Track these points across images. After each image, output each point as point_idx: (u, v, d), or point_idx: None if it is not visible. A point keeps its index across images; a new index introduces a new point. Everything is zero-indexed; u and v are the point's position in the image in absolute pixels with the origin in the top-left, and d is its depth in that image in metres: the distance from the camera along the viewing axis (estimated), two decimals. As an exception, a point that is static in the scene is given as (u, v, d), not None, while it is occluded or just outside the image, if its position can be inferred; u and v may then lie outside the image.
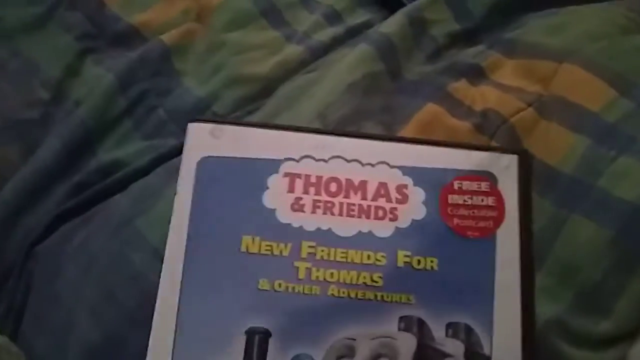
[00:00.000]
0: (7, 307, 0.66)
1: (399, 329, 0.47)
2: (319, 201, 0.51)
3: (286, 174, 0.52)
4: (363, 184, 0.52)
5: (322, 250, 0.49)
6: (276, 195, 0.51)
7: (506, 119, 0.66)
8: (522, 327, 0.48)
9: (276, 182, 0.51)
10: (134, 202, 0.67)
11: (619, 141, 0.62)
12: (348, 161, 0.53)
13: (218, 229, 0.50)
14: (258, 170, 0.52)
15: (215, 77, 0.79)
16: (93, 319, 0.61)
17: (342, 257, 0.49)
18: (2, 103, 0.79)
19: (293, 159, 0.52)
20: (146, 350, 0.53)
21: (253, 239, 0.49)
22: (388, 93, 0.72)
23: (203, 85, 0.79)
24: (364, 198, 0.51)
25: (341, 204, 0.51)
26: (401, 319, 0.48)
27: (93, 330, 0.61)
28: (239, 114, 0.74)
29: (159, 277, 0.59)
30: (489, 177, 0.52)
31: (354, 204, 0.51)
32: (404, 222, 0.51)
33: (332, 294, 0.48)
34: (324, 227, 0.50)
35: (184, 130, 0.74)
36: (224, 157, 0.52)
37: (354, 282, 0.48)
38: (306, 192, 0.51)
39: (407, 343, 0.47)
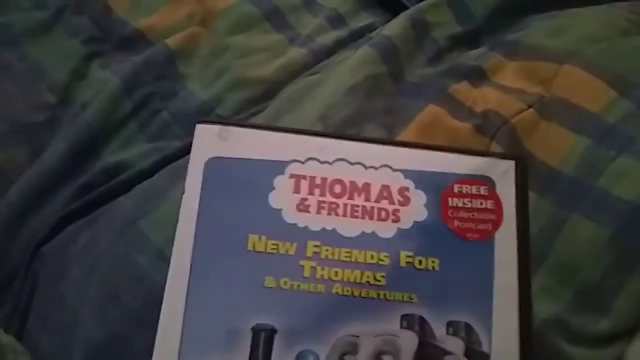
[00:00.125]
0: (13, 307, 0.67)
1: (401, 327, 0.48)
2: (324, 202, 0.52)
3: (292, 176, 0.52)
4: (366, 186, 0.53)
5: (327, 250, 0.50)
6: (282, 196, 0.52)
7: (507, 120, 0.66)
8: (520, 326, 0.48)
9: (282, 183, 0.52)
10: (138, 203, 0.67)
11: (618, 141, 0.62)
12: (352, 164, 0.53)
13: (225, 228, 0.50)
14: (264, 171, 0.52)
15: (219, 80, 0.80)
16: (98, 319, 0.62)
17: (346, 257, 0.50)
18: (10, 106, 0.80)
19: (299, 161, 0.53)
20: (151, 350, 0.52)
21: (259, 237, 0.50)
22: (390, 95, 0.72)
23: (207, 88, 0.79)
24: (367, 200, 0.52)
25: (345, 205, 0.52)
26: (403, 317, 0.48)
27: (98, 330, 0.61)
28: (242, 116, 0.75)
29: (164, 277, 0.59)
30: (487, 181, 0.53)
31: (357, 206, 0.52)
32: (406, 224, 0.51)
33: (337, 292, 0.49)
34: (329, 228, 0.51)
35: (188, 133, 0.75)
36: (231, 158, 0.53)
37: (357, 281, 0.49)
38: (311, 193, 0.52)
39: (409, 340, 0.47)
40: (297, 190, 0.52)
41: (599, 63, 0.68)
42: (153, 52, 0.82)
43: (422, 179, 0.53)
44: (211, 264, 0.49)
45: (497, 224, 0.51)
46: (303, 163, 0.53)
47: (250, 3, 0.86)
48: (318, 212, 0.51)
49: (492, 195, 0.52)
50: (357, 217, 0.51)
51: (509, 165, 0.53)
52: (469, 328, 0.48)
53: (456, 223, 0.51)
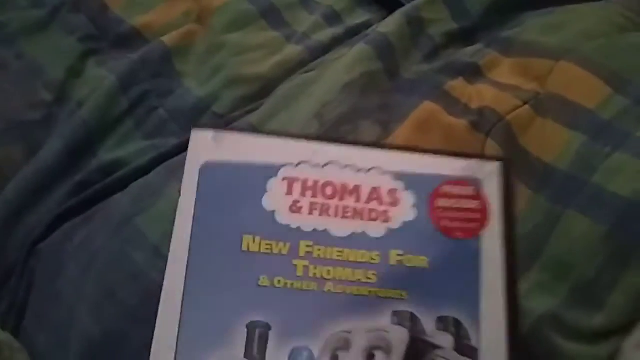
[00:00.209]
0: (9, 304, 0.67)
1: (392, 323, 0.49)
2: (316, 203, 0.53)
3: (284, 178, 0.54)
4: (357, 188, 0.54)
5: (319, 249, 0.51)
6: (275, 198, 0.53)
7: (502, 117, 0.66)
8: (508, 321, 0.50)
9: (275, 186, 0.54)
10: (134, 200, 0.67)
11: (614, 138, 0.62)
12: (343, 167, 0.55)
13: (220, 230, 0.52)
14: (258, 175, 0.53)
15: (215, 77, 0.80)
16: (94, 316, 0.62)
17: (338, 256, 0.51)
18: (6, 104, 0.80)
19: (291, 164, 0.54)
20: (147, 347, 0.53)
21: (254, 238, 0.51)
22: (385, 92, 0.72)
23: (203, 85, 0.80)
24: (357, 201, 0.54)
25: (336, 206, 0.53)
26: (394, 313, 0.49)
27: (94, 327, 0.61)
28: (238, 113, 0.75)
29: (160, 274, 0.59)
30: (474, 182, 0.55)
31: (348, 207, 0.53)
32: (395, 224, 0.53)
33: (329, 290, 0.50)
34: (321, 228, 0.52)
35: (184, 130, 0.76)
36: (226, 162, 0.54)
37: (349, 279, 0.51)
38: (303, 195, 0.53)
39: (400, 336, 0.48)
40: (289, 192, 0.53)
41: (595, 60, 0.68)
42: (149, 49, 0.83)
43: (411, 180, 0.54)
44: (207, 265, 0.51)
45: (483, 223, 0.53)
46: (295, 166, 0.54)
47: (247, 0, 0.86)
48: (310, 213, 0.53)
49: (479, 195, 0.54)
50: (348, 217, 0.53)
51: (495, 166, 0.56)
52: (458, 323, 0.49)
53: (444, 222, 0.53)
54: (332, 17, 0.86)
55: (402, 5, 0.81)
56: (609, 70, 0.67)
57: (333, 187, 0.54)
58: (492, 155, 0.59)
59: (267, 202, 0.53)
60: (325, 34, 0.83)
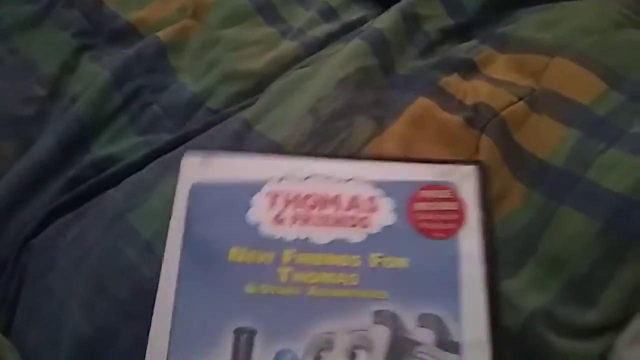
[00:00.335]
0: (1, 299, 0.66)
1: (374, 323, 0.51)
2: (298, 214, 0.56)
3: (268, 193, 0.56)
4: (337, 197, 0.56)
5: (302, 257, 0.54)
6: (259, 212, 0.55)
7: (497, 113, 0.66)
8: (489, 314, 0.51)
9: (259, 200, 0.56)
10: (127, 196, 0.67)
11: (609, 134, 0.62)
12: (323, 179, 0.57)
13: (208, 243, 0.54)
14: (243, 191, 0.57)
15: (210, 73, 0.80)
16: (85, 311, 0.61)
17: (320, 262, 0.53)
18: (-1, 99, 0.80)
19: (274, 180, 0.57)
20: (138, 342, 0.54)
21: (239, 250, 0.54)
22: (380, 87, 0.72)
23: (198, 81, 0.79)
24: (338, 209, 0.56)
25: (318, 215, 0.56)
26: (375, 313, 0.51)
27: (85, 322, 0.61)
28: (232, 109, 0.75)
29: (151, 270, 0.59)
30: (450, 185, 0.57)
31: (329, 215, 0.56)
32: (375, 229, 0.55)
33: (312, 295, 0.52)
34: (303, 237, 0.55)
35: (178, 126, 0.75)
36: (213, 182, 0.57)
37: (331, 283, 0.52)
38: (286, 207, 0.56)
39: (381, 335, 0.50)
40: (272, 205, 0.56)
41: (590, 56, 0.68)
42: (144, 45, 0.82)
43: (389, 188, 0.57)
44: (197, 275, 0.53)
45: (460, 223, 0.55)
46: (278, 182, 0.57)
47: (242, -4, 0.86)
48: (293, 224, 0.55)
49: (455, 197, 0.56)
50: (329, 225, 0.55)
51: (470, 169, 0.58)
52: (438, 320, 0.50)
53: (422, 225, 0.55)
54: (328, 13, 0.86)
55: (398, 1, 0.81)
56: (604, 66, 0.67)
57: (314, 198, 0.56)
58: (466, 159, 0.60)
59: (252, 216, 0.56)
60: (321, 30, 0.83)
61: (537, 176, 0.62)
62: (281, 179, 0.57)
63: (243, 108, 0.74)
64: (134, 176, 0.69)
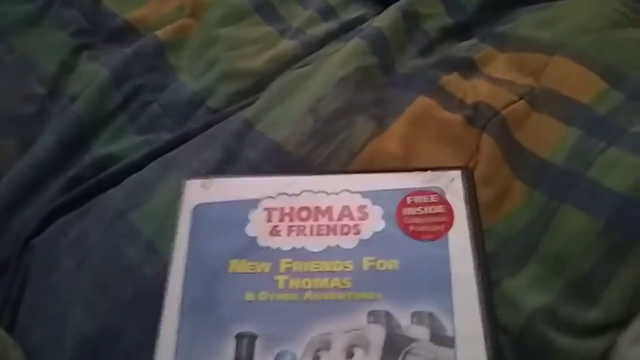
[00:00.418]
0: (4, 299, 0.66)
1: (369, 322, 0.53)
2: (293, 226, 0.59)
3: (265, 209, 0.60)
4: (329, 208, 0.60)
5: (298, 264, 0.56)
6: (257, 226, 0.59)
7: (497, 112, 0.67)
8: (482, 308, 0.52)
9: (256, 216, 0.60)
10: (128, 196, 0.67)
11: (609, 132, 0.63)
12: (315, 193, 0.61)
13: (210, 257, 0.58)
14: (241, 209, 0.60)
15: (210, 72, 0.80)
16: (88, 311, 0.61)
17: (315, 268, 0.56)
18: (-1, 98, 0.80)
19: (270, 197, 0.61)
20: (140, 341, 0.56)
21: (239, 261, 0.57)
22: (380, 86, 0.72)
23: (197, 80, 0.79)
24: (330, 219, 0.59)
25: (312, 226, 0.59)
26: (370, 313, 0.53)
27: (88, 321, 0.61)
28: (233, 108, 0.75)
29: (153, 269, 0.61)
30: (437, 190, 0.59)
31: (322, 225, 0.59)
32: (366, 235, 0.58)
33: (308, 299, 0.55)
34: (298, 246, 0.57)
35: (178, 125, 0.75)
36: (213, 202, 0.61)
37: (326, 287, 0.55)
38: (282, 220, 0.59)
39: (376, 333, 0.52)
40: (269, 219, 0.59)
41: (590, 54, 0.69)
42: (143, 44, 0.82)
43: (378, 196, 0.60)
44: (200, 286, 0.56)
45: (449, 224, 0.57)
46: (274, 198, 0.61)
47: (240, -5, 0.86)
48: (288, 235, 0.58)
49: (442, 201, 0.59)
50: (322, 234, 0.58)
51: (455, 174, 0.60)
52: (432, 316, 0.52)
53: (412, 228, 0.57)
54: (327, 12, 0.86)
55: (397, 0, 0.81)
56: (603, 64, 0.68)
57: (308, 211, 0.60)
58: (451, 165, 0.62)
59: (250, 230, 0.59)
60: (320, 29, 0.83)
61: (538, 175, 0.62)
62: (276, 196, 0.61)
63: (243, 107, 0.74)
64: (134, 175, 0.70)
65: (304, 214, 0.59)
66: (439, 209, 0.58)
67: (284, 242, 0.58)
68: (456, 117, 0.67)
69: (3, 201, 0.71)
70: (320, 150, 0.66)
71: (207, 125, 0.73)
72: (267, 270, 0.56)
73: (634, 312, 0.55)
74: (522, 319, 0.55)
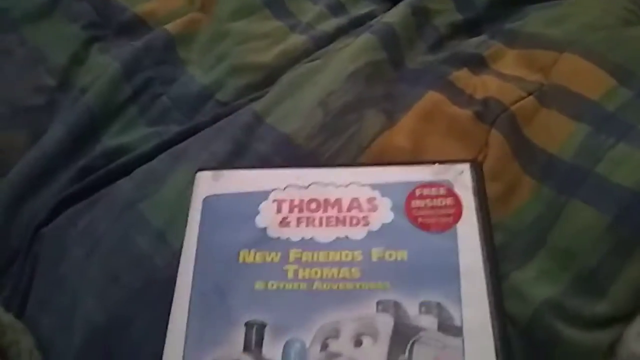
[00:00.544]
0: (13, 289, 0.67)
1: (377, 312, 0.53)
2: (302, 217, 0.59)
3: (274, 200, 0.60)
4: (338, 200, 0.60)
5: (307, 255, 0.56)
6: (266, 217, 0.59)
7: (506, 107, 0.67)
8: (491, 299, 0.52)
9: (266, 207, 0.60)
10: (138, 186, 0.67)
11: (618, 129, 0.63)
12: (325, 185, 0.61)
13: (220, 247, 0.58)
14: (251, 200, 0.61)
15: (219, 65, 0.80)
16: (98, 300, 0.62)
17: (324, 258, 0.56)
18: (9, 90, 0.80)
19: (279, 189, 0.61)
20: (150, 330, 0.57)
21: (249, 251, 0.57)
22: (390, 81, 0.73)
23: (207, 73, 0.80)
24: (339, 211, 0.59)
25: (321, 217, 0.59)
26: (378, 302, 0.53)
27: (98, 311, 0.61)
28: (242, 101, 0.75)
29: (163, 259, 0.61)
30: (446, 183, 0.59)
31: (331, 216, 0.59)
32: (375, 226, 0.58)
33: (317, 288, 0.55)
34: (307, 237, 0.58)
35: (187, 118, 0.76)
36: (223, 194, 0.61)
37: (335, 277, 0.55)
38: (291, 211, 0.60)
39: (385, 322, 0.52)
40: (279, 211, 0.60)
41: (599, 51, 0.69)
42: (153, 37, 0.83)
43: (387, 189, 0.60)
44: (210, 276, 0.57)
45: (457, 216, 0.57)
46: (283, 190, 0.61)
47: (250, -11, 0.86)
48: (297, 226, 0.59)
49: (451, 193, 0.59)
50: (331, 225, 0.58)
51: (464, 167, 0.60)
52: (440, 306, 0.52)
53: (420, 220, 0.57)
54: (337, 8, 0.86)
55: (407, -5, 0.81)
56: (612, 62, 0.68)
57: (317, 202, 0.60)
58: (460, 158, 0.62)
59: (260, 221, 0.59)
60: (330, 24, 0.83)
61: (546, 170, 0.62)
62: (286, 188, 0.61)
63: (252, 100, 0.75)
64: (144, 167, 0.70)
65: (313, 205, 0.60)
66: (448, 201, 0.58)
67: (294, 233, 0.58)
68: (465, 113, 0.67)
69: (13, 191, 0.71)
70: (330, 144, 0.67)
71: (217, 118, 0.73)
72: (276, 260, 0.56)
73: (641, 306, 0.55)
74: (530, 310, 0.55)
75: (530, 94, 0.68)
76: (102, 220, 0.66)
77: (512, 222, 0.61)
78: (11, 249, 0.69)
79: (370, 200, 0.59)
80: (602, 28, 0.72)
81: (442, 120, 0.67)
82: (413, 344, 0.51)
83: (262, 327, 0.53)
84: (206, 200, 0.61)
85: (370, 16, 0.84)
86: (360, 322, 0.52)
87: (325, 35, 0.82)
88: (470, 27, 0.80)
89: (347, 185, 0.61)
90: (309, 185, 0.61)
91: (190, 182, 0.63)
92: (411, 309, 0.52)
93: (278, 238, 0.58)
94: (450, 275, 0.54)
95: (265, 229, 0.58)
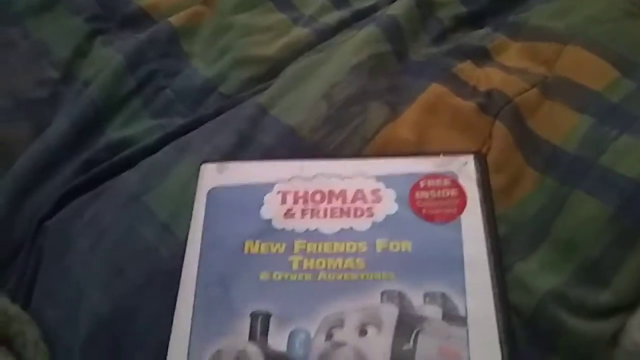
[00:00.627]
0: (18, 281, 0.67)
1: (382, 302, 0.53)
2: (307, 209, 0.59)
3: (279, 192, 0.61)
4: (343, 192, 0.60)
5: (312, 246, 0.57)
6: (271, 208, 0.60)
7: (510, 99, 0.67)
8: (495, 289, 0.53)
9: (271, 198, 0.60)
10: (142, 179, 0.68)
11: (621, 120, 0.63)
12: (329, 176, 0.61)
13: (225, 238, 0.58)
14: (256, 192, 0.61)
15: (223, 58, 0.80)
16: (103, 292, 0.62)
17: (328, 249, 0.57)
18: (13, 82, 0.80)
19: (284, 180, 0.61)
20: (155, 322, 0.57)
21: (254, 242, 0.58)
22: (394, 74, 0.73)
23: (210, 66, 0.80)
24: (344, 202, 0.59)
25: (325, 208, 0.59)
26: (383, 293, 0.53)
27: (103, 302, 0.61)
28: (245, 94, 0.75)
29: (168, 251, 0.61)
30: (450, 174, 0.60)
31: (336, 208, 0.59)
32: (379, 217, 0.58)
33: (322, 279, 0.55)
34: (312, 228, 0.58)
35: (190, 110, 0.76)
36: (228, 186, 0.62)
37: (340, 268, 0.55)
38: (296, 202, 0.60)
39: (389, 312, 0.52)
40: (283, 202, 0.60)
41: (603, 43, 0.69)
42: (156, 30, 0.83)
43: (391, 180, 0.60)
44: (215, 267, 0.57)
45: (461, 207, 0.58)
46: (287, 181, 0.61)
47: (253, -18, 0.87)
48: (302, 217, 0.59)
49: (455, 184, 0.59)
50: (336, 217, 0.59)
51: (468, 158, 0.60)
52: (444, 296, 0.52)
53: (424, 211, 0.58)
54: (339, 0, 0.86)
55: (410, -12, 0.81)
56: (616, 53, 0.68)
57: (321, 194, 0.60)
58: (464, 150, 0.62)
59: (264, 212, 0.60)
60: (332, 17, 0.83)
61: (550, 162, 0.63)
62: (290, 179, 0.61)
63: (255, 93, 0.75)
64: (148, 159, 0.70)
65: (317, 197, 0.60)
66: (452, 192, 0.58)
67: (299, 224, 0.58)
68: (469, 104, 0.67)
69: (17, 184, 0.71)
70: (334, 136, 0.67)
71: (220, 111, 0.73)
72: (281, 251, 0.57)
73: (644, 297, 0.55)
74: (534, 301, 0.56)
75: (534, 86, 0.68)
76: (107, 212, 0.66)
77: (515, 213, 0.61)
78: (15, 242, 0.69)
79: (375, 191, 0.59)
80: (606, 20, 0.72)
81: (446, 112, 0.68)
82: (417, 333, 0.51)
83: (267, 317, 0.53)
84: (211, 193, 0.61)
85: (373, 9, 0.84)
86: (364, 312, 0.52)
87: (328, 28, 0.82)
88: (474, 20, 0.80)
89: (351, 177, 0.61)
90: (314, 176, 0.61)
91: (195, 175, 0.63)
92: (416, 299, 0.53)
93: (283, 229, 0.58)
94: (454, 265, 0.54)
95: (270, 220, 0.59)
